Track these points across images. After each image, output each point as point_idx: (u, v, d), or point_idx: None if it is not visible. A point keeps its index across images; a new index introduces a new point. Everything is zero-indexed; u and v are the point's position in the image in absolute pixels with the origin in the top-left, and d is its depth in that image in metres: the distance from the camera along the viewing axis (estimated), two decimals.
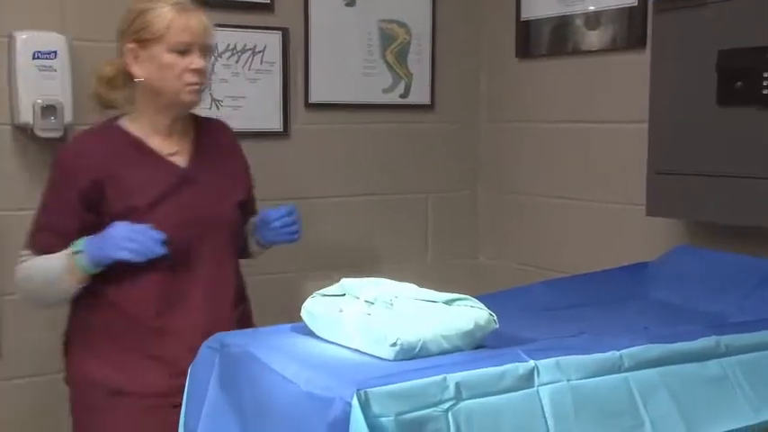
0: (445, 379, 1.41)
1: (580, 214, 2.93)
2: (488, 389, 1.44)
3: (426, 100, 3.21)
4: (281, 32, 2.90)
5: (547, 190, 3.06)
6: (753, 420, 1.70)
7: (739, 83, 2.15)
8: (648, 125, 2.41)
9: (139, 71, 2.01)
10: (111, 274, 1.98)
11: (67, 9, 2.57)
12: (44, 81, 2.47)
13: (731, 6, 2.18)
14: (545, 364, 1.52)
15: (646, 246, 2.59)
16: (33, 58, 2.46)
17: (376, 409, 1.34)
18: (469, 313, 1.59)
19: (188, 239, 2.00)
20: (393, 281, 1.72)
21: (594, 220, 2.88)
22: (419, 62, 3.18)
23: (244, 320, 2.13)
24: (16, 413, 2.59)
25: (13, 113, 2.50)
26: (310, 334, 1.70)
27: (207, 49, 2.04)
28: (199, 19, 2.01)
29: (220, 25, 2.78)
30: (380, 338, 1.52)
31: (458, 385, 1.42)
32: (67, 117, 2.51)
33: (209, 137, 2.15)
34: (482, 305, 1.62)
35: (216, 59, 2.78)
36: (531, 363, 1.51)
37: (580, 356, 1.57)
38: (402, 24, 3.14)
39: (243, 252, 2.25)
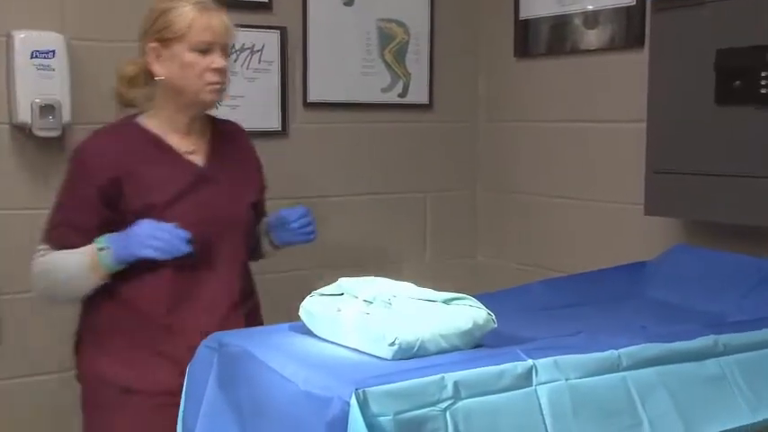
0: (443, 378, 1.41)
1: (579, 213, 2.93)
2: (487, 388, 1.45)
3: (425, 99, 3.21)
4: (279, 31, 2.90)
5: (545, 189, 3.06)
6: (750, 420, 1.70)
7: (737, 82, 2.15)
8: (647, 124, 2.42)
9: (161, 70, 2.02)
10: (123, 272, 1.99)
11: (66, 8, 2.57)
12: (42, 80, 2.47)
13: (729, 5, 2.18)
14: (543, 363, 1.52)
15: (644, 245, 2.59)
16: (32, 58, 2.46)
17: (374, 408, 1.34)
18: (468, 312, 1.59)
19: (203, 238, 2.00)
20: (391, 280, 1.72)
21: (593, 219, 2.88)
22: (417, 61, 3.18)
23: (252, 318, 2.13)
24: (13, 412, 2.59)
25: (11, 113, 2.50)
26: (309, 333, 1.70)
27: (228, 49, 2.05)
28: (220, 18, 2.02)
29: None
30: (379, 338, 1.52)
31: (456, 384, 1.42)
32: (66, 116, 2.51)
33: (224, 137, 2.16)
34: (480, 304, 1.62)
35: None
36: (530, 362, 1.51)
37: (578, 356, 1.57)
38: (400, 24, 3.14)
39: (255, 253, 2.26)
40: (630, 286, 2.30)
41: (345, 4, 3.02)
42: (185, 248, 1.92)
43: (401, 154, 3.18)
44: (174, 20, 1.99)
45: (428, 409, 1.39)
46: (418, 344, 1.52)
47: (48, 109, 2.47)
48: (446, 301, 1.61)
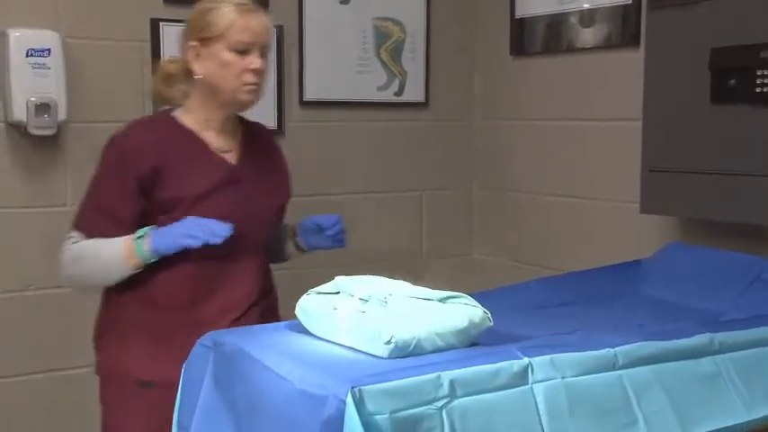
0: (439, 377, 1.41)
1: (574, 211, 2.93)
2: (483, 386, 1.45)
3: (421, 98, 3.21)
4: (275, 29, 2.89)
5: (541, 187, 3.06)
6: (746, 417, 1.70)
7: (732, 80, 2.15)
8: (642, 123, 2.42)
9: (200, 69, 2.04)
10: (147, 267, 2.01)
11: (61, 6, 2.57)
12: (38, 79, 2.47)
13: (724, 4, 2.18)
14: (539, 361, 1.52)
15: (640, 243, 2.59)
16: (27, 56, 2.46)
17: (370, 406, 1.34)
18: (464, 311, 1.60)
19: (229, 238, 2.01)
20: (387, 278, 1.72)
21: (589, 217, 2.88)
22: (413, 60, 3.18)
23: (270, 315, 2.16)
24: (11, 412, 2.59)
25: (6, 111, 2.50)
26: (304, 332, 1.70)
27: (267, 50, 2.07)
28: (260, 19, 2.05)
29: None
30: (375, 336, 1.52)
31: (452, 383, 1.42)
32: (61, 115, 2.51)
33: (255, 139, 2.19)
34: (476, 303, 1.62)
35: None
36: (526, 360, 1.51)
37: (574, 354, 1.57)
38: (397, 22, 3.14)
39: (277, 255, 2.29)
40: (626, 284, 2.30)
41: (341, 2, 3.02)
42: (227, 231, 1.94)
43: (397, 152, 3.18)
44: (214, 20, 2.01)
45: (424, 407, 1.39)
46: (414, 342, 1.52)
47: (43, 107, 2.47)
48: (442, 300, 1.61)
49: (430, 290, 1.65)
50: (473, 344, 1.60)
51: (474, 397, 1.43)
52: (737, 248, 2.27)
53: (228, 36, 2.00)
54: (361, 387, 1.34)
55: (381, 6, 3.10)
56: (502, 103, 3.22)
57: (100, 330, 2.15)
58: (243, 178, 2.10)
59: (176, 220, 1.99)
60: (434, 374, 1.42)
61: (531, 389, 1.49)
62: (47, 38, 2.49)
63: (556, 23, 2.96)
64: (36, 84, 2.46)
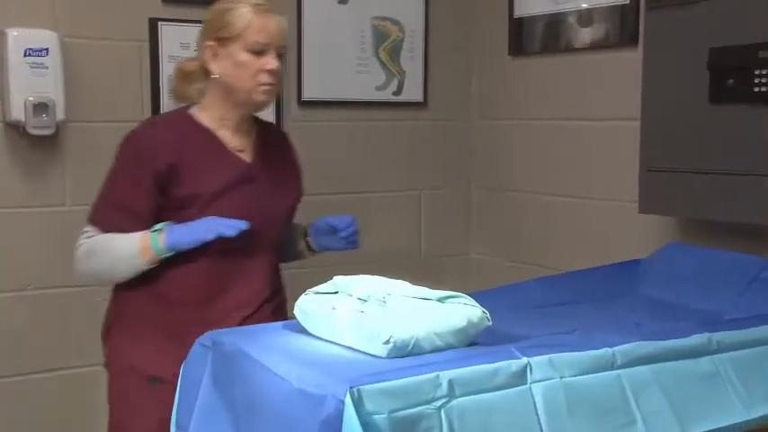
0: (438, 376, 1.41)
1: (573, 211, 2.93)
2: (481, 386, 1.45)
3: (419, 97, 3.21)
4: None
5: (539, 187, 3.06)
6: (744, 417, 1.70)
7: (731, 80, 2.15)
8: (641, 122, 2.42)
9: (216, 68, 2.05)
10: (161, 263, 2.02)
11: (59, 6, 2.57)
12: (36, 78, 2.47)
13: (723, 4, 2.18)
14: (538, 361, 1.52)
15: (639, 243, 2.59)
16: (25, 56, 2.46)
17: (369, 406, 1.34)
18: (462, 311, 1.60)
19: (243, 234, 2.02)
20: (386, 278, 1.72)
21: (587, 217, 2.88)
22: (412, 59, 3.18)
23: (279, 313, 2.17)
24: (8, 411, 2.59)
25: (4, 111, 2.50)
26: (303, 331, 1.70)
27: (283, 51, 2.08)
28: (277, 21, 2.06)
29: None
30: (373, 336, 1.52)
31: (451, 383, 1.42)
32: (59, 114, 2.51)
33: (268, 139, 2.21)
34: (475, 302, 1.62)
35: None
36: (524, 360, 1.51)
37: (573, 353, 1.57)
38: (395, 22, 3.14)
39: (288, 255, 2.30)
40: (625, 284, 2.30)
41: (340, 2, 3.02)
42: (243, 225, 1.95)
43: (396, 152, 3.18)
44: (231, 20, 2.03)
45: (423, 407, 1.39)
46: (413, 342, 1.52)
47: (41, 107, 2.47)
48: (441, 299, 1.61)
49: (428, 289, 1.65)
50: (472, 343, 1.60)
51: (472, 397, 1.43)
52: (736, 248, 2.27)
53: (245, 36, 2.02)
54: (360, 387, 1.35)
55: (380, 6, 3.09)
56: (500, 103, 3.22)
57: (109, 325, 2.16)
58: (257, 177, 2.11)
59: (192, 217, 2.01)
60: (433, 374, 1.42)
61: (530, 389, 1.49)
62: (45, 37, 2.48)
63: (554, 23, 2.96)
64: (34, 83, 2.46)
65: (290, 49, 2.91)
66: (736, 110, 2.16)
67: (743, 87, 2.13)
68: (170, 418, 1.87)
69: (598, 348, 1.60)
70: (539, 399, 1.49)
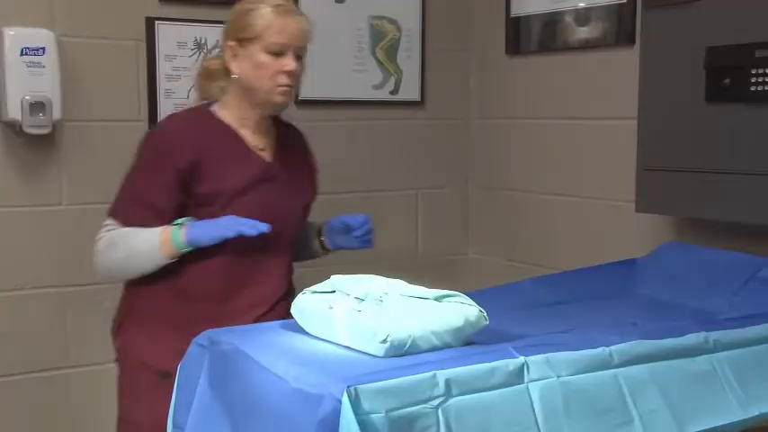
0: (435, 376, 1.41)
1: (570, 210, 2.93)
2: (478, 385, 1.45)
3: (416, 96, 3.21)
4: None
5: (537, 186, 3.06)
6: (740, 416, 1.70)
7: (727, 80, 2.15)
8: (638, 121, 2.42)
9: (236, 68, 2.06)
10: (179, 259, 2.02)
11: (56, 5, 2.56)
12: (32, 77, 2.46)
13: (719, 3, 2.18)
14: (535, 360, 1.52)
15: (636, 242, 2.60)
16: (21, 55, 2.45)
17: (366, 405, 1.34)
18: (459, 310, 1.59)
19: (262, 234, 2.03)
20: (383, 277, 1.72)
21: (584, 216, 2.88)
22: (409, 58, 3.18)
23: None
24: (5, 411, 2.59)
25: (0, 110, 2.49)
26: (300, 331, 1.70)
27: (302, 52, 2.09)
28: (297, 22, 2.07)
29: (210, 21, 2.78)
30: (370, 335, 1.52)
31: (448, 382, 1.42)
32: (56, 113, 2.51)
33: (288, 138, 2.23)
34: (472, 302, 1.62)
35: (206, 55, 2.78)
36: (521, 359, 1.51)
37: (570, 353, 1.57)
38: (392, 21, 3.14)
39: (303, 254, 2.31)
40: (622, 283, 2.30)
41: (337, 1, 3.02)
42: (265, 228, 1.96)
43: (393, 151, 3.18)
44: (252, 20, 2.03)
45: (420, 406, 1.39)
46: (410, 341, 1.52)
47: (38, 106, 2.46)
48: (438, 299, 1.61)
49: (425, 289, 1.65)
50: (469, 343, 1.60)
51: (469, 396, 1.43)
52: (733, 247, 2.27)
53: (264, 37, 2.02)
54: (357, 386, 1.34)
55: (377, 5, 3.09)
56: (497, 102, 3.22)
57: (121, 320, 2.16)
58: (276, 176, 2.13)
59: (213, 214, 2.02)
60: (430, 373, 1.42)
61: (527, 388, 1.49)
62: (41, 36, 2.48)
63: (551, 22, 2.96)
64: (31, 82, 2.46)
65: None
66: (732, 109, 2.16)
67: (739, 87, 2.13)
68: None
69: (595, 347, 1.60)
70: (536, 398, 1.49)
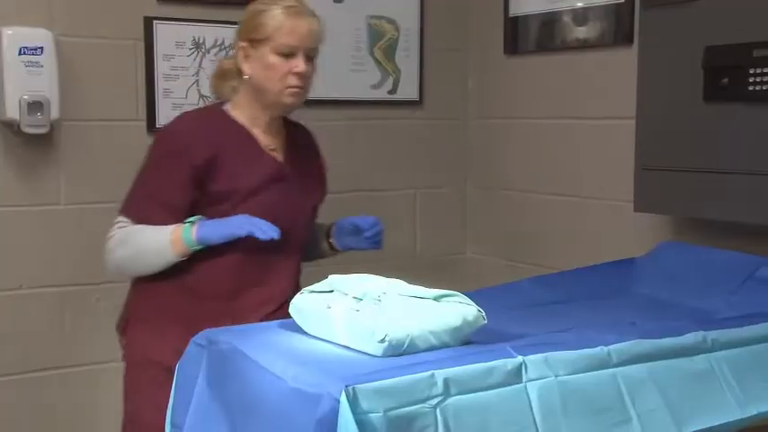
0: (433, 375, 1.41)
1: (568, 210, 2.93)
2: (476, 385, 1.45)
3: (414, 96, 3.21)
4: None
5: (535, 186, 3.06)
6: (739, 415, 1.70)
7: (725, 79, 2.15)
8: (636, 121, 2.42)
9: (248, 69, 2.08)
10: (190, 257, 2.03)
11: (54, 5, 2.56)
12: (30, 77, 2.46)
13: (717, 3, 2.18)
14: (533, 359, 1.52)
15: (634, 242, 2.60)
16: (20, 54, 2.45)
17: (364, 405, 1.34)
18: (458, 309, 1.59)
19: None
20: (381, 277, 1.72)
21: (583, 216, 2.88)
22: (407, 58, 3.18)
23: None
24: (1, 411, 2.59)
25: None
26: (298, 330, 1.70)
27: (313, 53, 2.09)
28: (308, 23, 2.07)
29: (208, 21, 2.78)
30: (368, 334, 1.52)
31: (446, 381, 1.42)
32: (54, 113, 2.50)
33: (297, 138, 2.24)
34: (470, 301, 1.62)
35: (204, 55, 2.78)
36: (519, 359, 1.51)
37: (568, 352, 1.57)
38: (390, 20, 3.14)
39: (312, 255, 2.32)
40: (620, 283, 2.30)
41: (335, 1, 3.02)
42: (275, 234, 1.96)
43: (391, 151, 3.18)
44: (263, 22, 2.04)
45: (418, 405, 1.39)
46: (408, 341, 1.52)
47: (36, 106, 2.46)
48: (436, 298, 1.61)
49: (424, 288, 1.65)
50: (467, 342, 1.60)
51: (468, 395, 1.43)
52: (730, 247, 2.27)
53: (275, 39, 2.03)
54: (355, 386, 1.34)
55: (375, 5, 3.09)
56: (496, 102, 3.22)
57: (129, 318, 2.16)
58: (287, 176, 2.14)
59: (225, 212, 2.03)
60: (428, 373, 1.42)
61: (525, 387, 1.49)
62: (40, 36, 2.48)
63: (549, 22, 2.96)
64: (29, 82, 2.46)
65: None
66: (730, 109, 2.16)
67: (737, 86, 2.13)
68: None
69: (593, 347, 1.60)
70: (534, 397, 1.49)
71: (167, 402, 1.94)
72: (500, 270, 3.14)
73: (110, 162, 2.66)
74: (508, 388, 1.48)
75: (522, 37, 3.09)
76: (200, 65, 2.78)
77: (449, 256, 3.33)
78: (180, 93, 2.75)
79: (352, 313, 1.58)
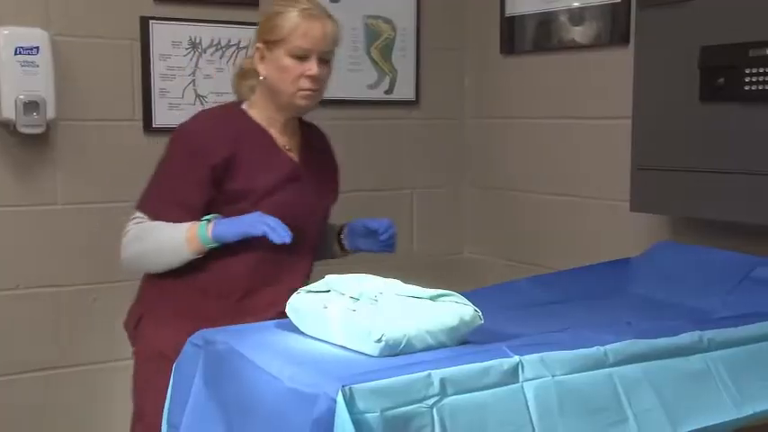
0: (430, 375, 1.42)
1: (565, 210, 2.94)
2: (473, 385, 1.45)
3: (411, 96, 3.21)
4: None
5: (532, 186, 3.06)
6: (734, 415, 1.71)
7: (721, 79, 2.16)
8: (632, 121, 2.42)
9: (263, 70, 2.09)
10: (205, 255, 2.03)
11: (50, 4, 2.56)
12: (26, 77, 2.46)
13: (713, 3, 2.19)
14: (529, 359, 1.52)
15: (632, 241, 2.60)
16: (16, 54, 2.45)
17: (361, 405, 1.34)
18: (454, 309, 1.60)
19: (291, 231, 2.03)
20: (378, 277, 1.72)
21: (579, 215, 2.88)
22: (404, 58, 3.18)
23: None
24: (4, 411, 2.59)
25: None
26: (295, 330, 1.70)
27: (327, 56, 2.10)
28: (322, 26, 2.08)
29: (205, 21, 2.78)
30: (365, 334, 1.52)
31: (442, 381, 1.42)
32: (50, 113, 2.50)
33: (312, 139, 2.25)
34: (467, 301, 1.62)
35: (201, 55, 2.77)
36: (516, 358, 1.51)
37: (564, 352, 1.57)
38: (387, 20, 3.14)
39: (323, 255, 2.32)
40: (616, 283, 2.31)
41: (332, 0, 3.01)
42: (288, 238, 1.96)
43: (387, 150, 3.18)
44: (279, 24, 2.05)
45: (415, 405, 1.39)
46: (405, 341, 1.52)
47: (32, 105, 2.46)
48: (432, 298, 1.61)
49: (421, 288, 1.65)
50: (463, 342, 1.60)
51: (464, 395, 1.43)
52: (727, 247, 2.27)
53: (289, 41, 2.04)
54: (352, 385, 1.34)
55: (372, 5, 3.09)
56: (492, 102, 3.22)
57: (140, 314, 2.15)
58: (302, 177, 2.14)
59: (242, 211, 2.03)
60: (425, 373, 1.42)
61: (522, 387, 1.49)
62: (36, 36, 2.48)
63: (546, 22, 2.96)
64: (25, 82, 2.45)
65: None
66: (726, 108, 2.16)
67: (733, 86, 2.13)
68: None
69: (590, 347, 1.61)
70: (530, 397, 1.49)
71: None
72: (497, 270, 3.14)
73: (106, 162, 2.66)
74: (505, 388, 1.48)
75: (518, 37, 3.09)
76: (196, 65, 2.78)
77: (446, 255, 3.33)
78: (176, 93, 2.75)
79: (349, 313, 1.58)
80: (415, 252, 3.27)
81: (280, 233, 1.96)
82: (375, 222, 2.23)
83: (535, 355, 1.53)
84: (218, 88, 2.81)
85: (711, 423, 1.67)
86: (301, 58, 2.05)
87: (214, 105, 2.32)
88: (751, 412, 1.73)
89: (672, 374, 1.67)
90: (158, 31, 2.71)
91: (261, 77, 2.09)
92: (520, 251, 3.10)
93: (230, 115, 2.14)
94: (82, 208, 2.63)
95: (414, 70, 3.20)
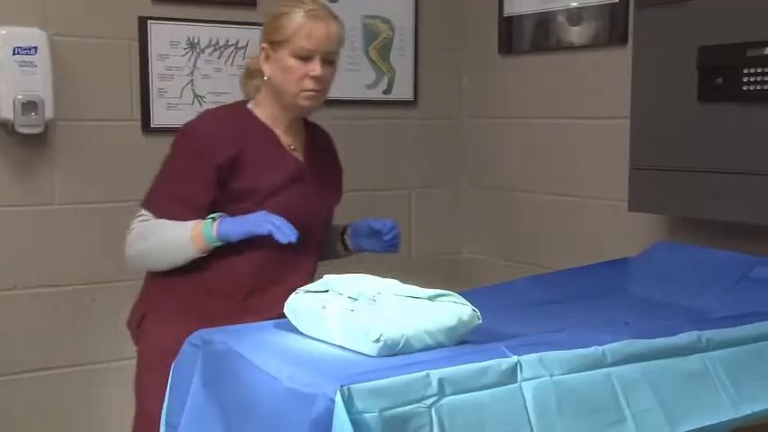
0: (428, 375, 1.42)
1: (563, 210, 2.94)
2: (471, 385, 1.45)
3: (409, 96, 3.21)
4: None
5: (530, 186, 3.06)
6: (732, 415, 1.71)
7: (719, 79, 2.16)
8: (630, 121, 2.42)
9: (267, 70, 2.10)
10: (210, 254, 2.03)
11: (48, 4, 2.56)
12: (25, 77, 2.46)
13: (711, 3, 2.19)
14: (528, 359, 1.52)
15: (630, 241, 2.60)
16: (14, 54, 2.45)
17: (359, 405, 1.34)
18: (453, 309, 1.60)
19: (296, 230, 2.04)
20: (376, 277, 1.72)
21: (578, 215, 2.89)
22: (402, 58, 3.18)
23: None
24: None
25: None
26: (293, 330, 1.70)
27: (331, 57, 2.11)
28: (326, 27, 2.08)
29: (203, 21, 2.78)
30: (363, 334, 1.52)
31: (441, 381, 1.42)
32: (48, 113, 2.50)
33: (316, 139, 2.26)
34: (465, 301, 1.62)
35: (199, 55, 2.77)
36: (514, 358, 1.51)
37: (563, 352, 1.57)
38: (385, 20, 3.14)
39: (327, 255, 2.32)
40: (614, 282, 2.31)
41: (330, 0, 3.01)
42: (293, 238, 1.96)
43: (386, 150, 3.18)
44: (284, 24, 2.06)
45: (413, 405, 1.39)
46: (403, 341, 1.52)
47: (30, 105, 2.46)
48: (431, 298, 1.61)
49: (419, 288, 1.65)
50: (462, 342, 1.60)
51: (463, 395, 1.43)
52: (725, 246, 2.27)
53: (293, 41, 2.04)
54: (350, 385, 1.35)
55: (370, 4, 3.09)
56: (490, 102, 3.22)
57: (144, 313, 2.15)
58: (307, 177, 2.15)
59: (247, 210, 2.03)
60: (423, 373, 1.42)
61: (520, 387, 1.49)
62: (34, 36, 2.47)
63: (544, 22, 2.96)
64: (23, 82, 2.45)
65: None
66: (724, 108, 2.16)
67: (731, 86, 2.14)
68: None
69: (588, 347, 1.61)
70: (529, 397, 1.49)
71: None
72: (496, 270, 3.14)
73: (104, 162, 2.65)
74: (503, 388, 1.48)
75: (516, 37, 3.09)
76: (194, 65, 2.78)
77: (444, 255, 3.33)
78: (174, 92, 2.75)
79: (347, 313, 1.58)
80: (414, 252, 3.27)
81: (285, 232, 1.96)
82: (379, 222, 2.24)
83: (533, 355, 1.54)
84: (216, 88, 2.81)
85: (709, 423, 1.67)
86: (305, 58, 2.05)
87: (219, 105, 2.32)
88: (749, 412, 1.74)
89: (670, 374, 1.67)
90: (156, 31, 2.71)
91: (265, 77, 2.10)
92: (519, 251, 3.11)
93: (236, 114, 2.14)
94: (80, 208, 2.63)
95: (412, 70, 3.20)
